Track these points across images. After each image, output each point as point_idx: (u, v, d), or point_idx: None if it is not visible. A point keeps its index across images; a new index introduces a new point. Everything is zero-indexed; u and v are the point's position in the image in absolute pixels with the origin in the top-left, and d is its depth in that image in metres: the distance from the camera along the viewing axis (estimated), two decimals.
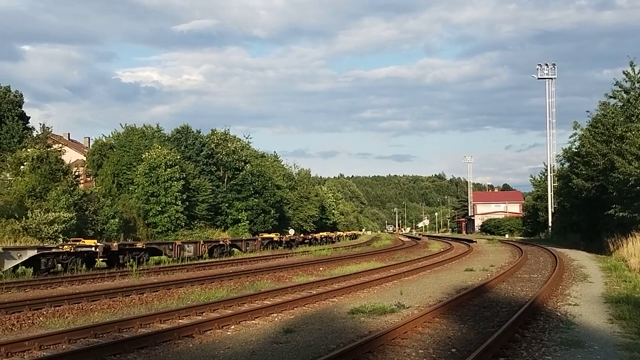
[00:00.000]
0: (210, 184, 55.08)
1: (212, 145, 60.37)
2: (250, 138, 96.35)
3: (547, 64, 76.51)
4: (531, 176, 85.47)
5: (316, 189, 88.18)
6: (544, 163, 76.63)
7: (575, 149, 46.23)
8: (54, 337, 11.10)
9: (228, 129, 64.78)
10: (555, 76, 76.19)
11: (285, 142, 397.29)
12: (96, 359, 9.75)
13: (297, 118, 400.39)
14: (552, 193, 67.91)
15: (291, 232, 59.57)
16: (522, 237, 79.63)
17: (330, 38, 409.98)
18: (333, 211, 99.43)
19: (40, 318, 13.95)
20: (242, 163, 61.61)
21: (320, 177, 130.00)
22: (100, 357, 9.84)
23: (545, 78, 76.10)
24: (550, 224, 68.26)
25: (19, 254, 23.16)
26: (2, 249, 22.61)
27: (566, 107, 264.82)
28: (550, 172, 69.75)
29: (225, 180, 60.39)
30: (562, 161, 55.78)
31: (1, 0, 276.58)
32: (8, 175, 38.02)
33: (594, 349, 10.29)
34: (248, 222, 57.49)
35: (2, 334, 12.24)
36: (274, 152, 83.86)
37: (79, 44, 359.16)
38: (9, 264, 22.66)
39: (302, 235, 61.33)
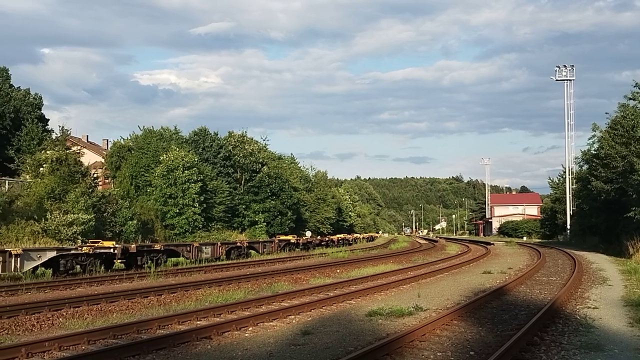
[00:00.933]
0: (228, 185, 55.17)
1: (230, 147, 60.47)
2: (268, 140, 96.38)
3: (565, 66, 76.24)
4: (549, 178, 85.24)
5: (333, 191, 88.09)
6: (563, 165, 76.45)
7: (594, 151, 45.85)
8: (73, 337, 11.19)
9: (245, 131, 64.93)
10: (574, 78, 75.94)
11: (302, 144, 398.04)
12: None
13: (314, 120, 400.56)
14: (571, 195, 67.51)
15: (308, 234, 59.57)
16: (540, 240, 79.14)
17: (347, 40, 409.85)
18: (350, 213, 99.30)
19: (60, 319, 14.07)
20: (259, 165, 61.65)
21: (337, 179, 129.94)
22: (119, 358, 9.89)
23: (563, 80, 75.77)
24: (568, 227, 67.84)
25: (38, 255, 23.38)
26: (22, 250, 22.81)
27: (585, 109, 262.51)
28: (569, 175, 69.36)
29: (243, 182, 60.47)
30: (581, 163, 55.48)
31: (23, 3, 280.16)
32: (28, 177, 38.32)
33: (614, 353, 10.20)
34: (265, 224, 57.56)
35: (22, 335, 12.36)
36: (291, 154, 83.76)
37: (98, 47, 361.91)
38: (28, 265, 22.88)
39: (319, 237, 61.35)
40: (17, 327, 13.00)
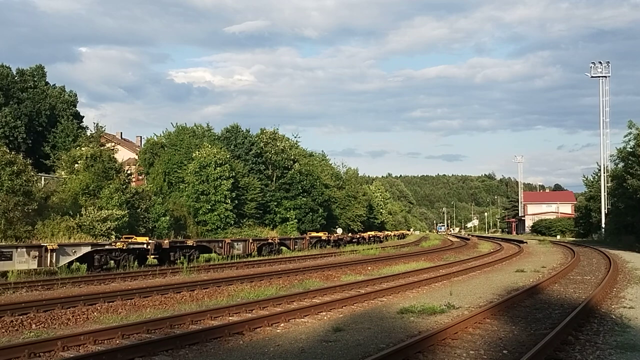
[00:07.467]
0: (259, 182, 55.35)
1: (261, 145, 60.62)
2: (299, 137, 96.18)
3: (600, 62, 74.94)
4: (584, 176, 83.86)
5: (364, 188, 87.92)
6: (597, 163, 75.17)
7: (630, 148, 45.21)
8: (107, 332, 11.32)
9: (277, 129, 65.04)
10: (610, 74, 74.52)
11: (334, 141, 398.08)
12: (148, 354, 9.91)
13: (346, 117, 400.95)
14: (606, 194, 66.48)
15: (339, 231, 59.57)
16: (574, 239, 78.14)
17: (380, 38, 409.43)
18: (381, 210, 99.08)
19: (95, 313, 14.25)
20: (291, 162, 61.74)
21: (369, 176, 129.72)
22: (153, 352, 9.99)
23: (598, 76, 74.49)
24: (603, 225, 66.84)
25: (73, 250, 23.69)
26: (58, 245, 23.12)
27: (620, 107, 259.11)
28: (604, 172, 68.27)
29: (274, 179, 60.62)
30: (616, 161, 54.65)
31: (61, 3, 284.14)
32: (63, 173, 38.87)
33: None
34: (296, 220, 57.67)
35: (58, 328, 12.54)
36: (322, 151, 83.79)
37: (134, 46, 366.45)
38: (64, 260, 23.21)
39: (349, 234, 61.30)
40: (53, 321, 13.20)
